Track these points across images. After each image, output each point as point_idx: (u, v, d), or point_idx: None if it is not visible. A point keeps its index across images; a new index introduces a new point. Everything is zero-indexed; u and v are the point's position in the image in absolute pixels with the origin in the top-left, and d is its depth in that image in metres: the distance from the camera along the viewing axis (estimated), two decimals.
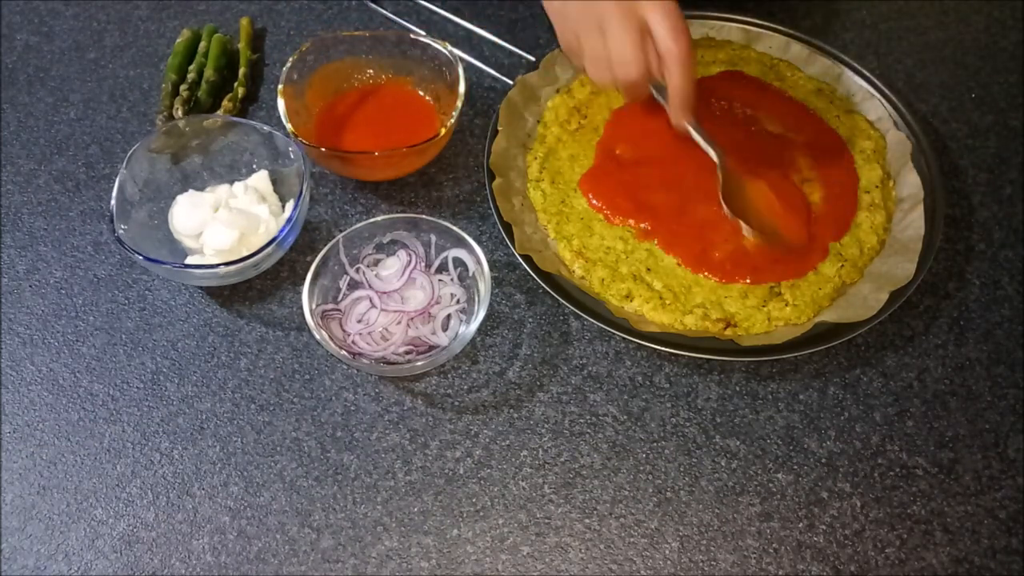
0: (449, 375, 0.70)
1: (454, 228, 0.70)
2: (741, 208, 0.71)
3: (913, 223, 0.73)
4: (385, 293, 0.70)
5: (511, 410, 0.69)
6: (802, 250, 0.71)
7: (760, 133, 0.78)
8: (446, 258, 0.72)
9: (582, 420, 0.68)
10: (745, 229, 0.71)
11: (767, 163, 0.76)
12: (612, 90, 0.69)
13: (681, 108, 0.67)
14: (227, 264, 0.68)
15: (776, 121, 0.79)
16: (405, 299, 0.70)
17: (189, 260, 0.72)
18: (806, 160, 0.76)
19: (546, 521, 0.64)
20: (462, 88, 0.75)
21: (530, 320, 0.73)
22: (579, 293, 0.71)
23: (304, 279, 0.67)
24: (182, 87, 0.81)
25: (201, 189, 0.75)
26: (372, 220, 0.71)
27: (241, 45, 0.87)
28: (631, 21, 0.62)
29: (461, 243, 0.70)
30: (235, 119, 0.76)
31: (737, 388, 0.70)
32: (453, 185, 0.80)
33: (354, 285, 0.71)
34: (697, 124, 0.69)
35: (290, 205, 0.73)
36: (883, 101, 0.80)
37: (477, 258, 0.69)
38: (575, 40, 0.66)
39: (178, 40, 0.86)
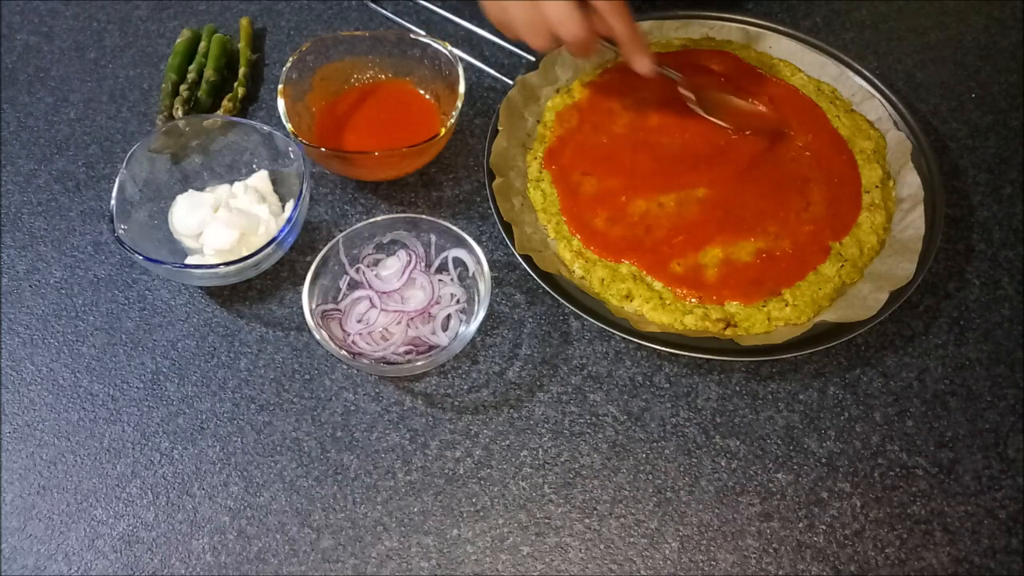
0: (449, 375, 0.70)
1: (454, 228, 0.70)
2: (714, 111, 0.77)
3: (913, 223, 0.73)
4: (385, 293, 0.70)
5: (511, 410, 0.69)
6: (776, 128, 0.78)
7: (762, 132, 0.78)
8: (446, 258, 0.72)
9: (582, 420, 0.68)
10: (722, 123, 0.77)
11: (770, 162, 0.76)
12: (555, 50, 0.73)
13: (635, 50, 0.71)
14: (227, 264, 0.68)
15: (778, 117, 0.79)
16: (405, 299, 0.70)
17: (189, 260, 0.72)
18: (808, 159, 0.77)
19: (546, 521, 0.64)
20: (462, 88, 0.75)
21: (530, 320, 0.73)
22: (579, 293, 0.71)
23: (304, 279, 0.67)
24: (182, 87, 0.81)
25: (201, 189, 0.75)
26: (372, 220, 0.70)
27: (241, 45, 0.87)
28: None
29: (461, 243, 0.70)
30: (235, 119, 0.76)
31: (737, 388, 0.70)
32: (453, 185, 0.80)
33: (354, 285, 0.71)
34: (657, 62, 0.73)
35: (290, 205, 0.73)
36: (883, 101, 0.80)
37: (477, 258, 0.69)
38: (503, 12, 0.69)
39: (178, 40, 0.86)
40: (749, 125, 0.78)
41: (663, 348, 0.67)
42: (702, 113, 0.77)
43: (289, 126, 0.72)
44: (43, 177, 0.81)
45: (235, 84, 0.84)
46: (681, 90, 0.77)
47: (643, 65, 0.72)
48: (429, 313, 0.70)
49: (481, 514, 0.65)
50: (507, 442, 0.67)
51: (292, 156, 0.73)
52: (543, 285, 0.70)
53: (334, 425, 0.68)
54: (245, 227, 0.71)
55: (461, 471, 0.66)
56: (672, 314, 0.69)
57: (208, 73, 0.83)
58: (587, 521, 0.64)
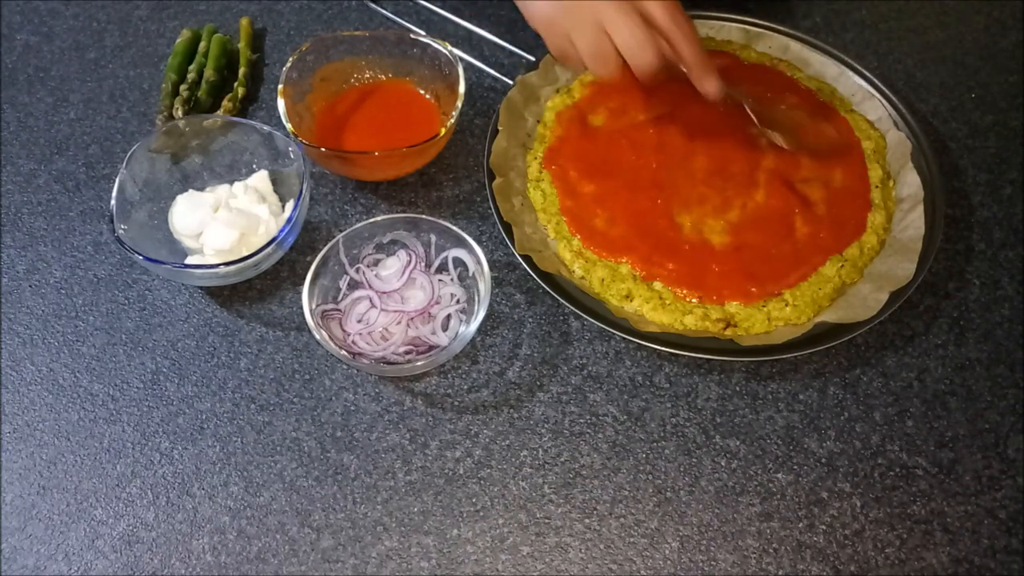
0: (449, 375, 0.70)
1: (454, 228, 0.70)
2: (777, 125, 0.75)
3: (913, 223, 0.73)
4: (385, 293, 0.70)
5: (511, 410, 0.69)
6: (842, 149, 0.76)
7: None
8: (446, 258, 0.72)
9: (582, 420, 0.68)
10: (780, 139, 0.75)
11: (774, 162, 0.76)
12: (617, 79, 0.70)
13: (704, 74, 0.69)
14: (227, 264, 0.68)
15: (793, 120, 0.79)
16: (405, 299, 0.70)
17: (189, 260, 0.72)
18: (815, 160, 0.77)
19: (546, 521, 0.64)
20: (462, 88, 0.75)
21: (530, 320, 0.73)
22: (579, 293, 0.71)
23: (304, 279, 0.67)
24: (182, 87, 0.81)
25: (201, 189, 0.75)
26: (372, 220, 0.71)
27: (241, 45, 0.87)
28: (633, 12, 0.64)
29: (461, 243, 0.70)
30: (235, 119, 0.76)
31: (737, 388, 0.70)
32: (453, 185, 0.80)
33: (354, 285, 0.71)
34: (724, 85, 0.71)
35: (290, 205, 0.73)
36: (883, 101, 0.80)
37: (477, 258, 0.69)
38: (568, 43, 0.67)
39: (178, 40, 0.86)
40: (810, 144, 0.76)
41: (663, 348, 0.67)
42: (770, 136, 0.75)
43: (289, 126, 0.72)
44: (43, 177, 0.81)
45: (235, 84, 0.84)
46: (749, 111, 0.75)
47: (712, 88, 0.69)
48: (429, 313, 0.70)
49: (481, 514, 0.65)
50: (507, 442, 0.67)
51: (292, 156, 0.73)
52: (543, 285, 0.70)
53: (334, 425, 0.68)
54: (245, 227, 0.71)
55: (461, 471, 0.66)
56: (672, 314, 0.69)
57: (208, 73, 0.83)
58: (587, 521, 0.64)
